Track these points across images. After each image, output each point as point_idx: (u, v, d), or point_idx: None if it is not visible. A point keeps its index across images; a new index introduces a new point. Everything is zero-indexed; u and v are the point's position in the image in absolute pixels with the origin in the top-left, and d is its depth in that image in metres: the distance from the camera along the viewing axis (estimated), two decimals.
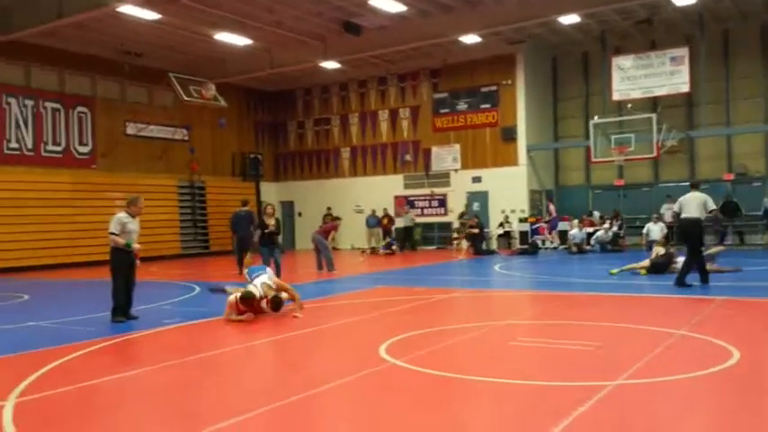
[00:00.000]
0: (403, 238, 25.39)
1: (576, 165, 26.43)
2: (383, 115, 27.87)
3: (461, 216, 24.80)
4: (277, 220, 14.08)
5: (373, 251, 24.18)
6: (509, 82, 24.95)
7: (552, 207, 24.37)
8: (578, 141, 25.35)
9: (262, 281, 9.54)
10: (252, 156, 28.36)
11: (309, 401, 5.32)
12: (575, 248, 20.99)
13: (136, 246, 9.52)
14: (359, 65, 25.81)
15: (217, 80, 23.97)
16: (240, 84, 27.13)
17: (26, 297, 13.40)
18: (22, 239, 19.49)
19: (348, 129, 28.71)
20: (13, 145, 20.71)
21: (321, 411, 5.20)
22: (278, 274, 13.58)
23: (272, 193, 29.12)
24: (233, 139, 28.15)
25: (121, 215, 9.51)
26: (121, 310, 9.49)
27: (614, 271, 13.89)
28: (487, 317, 9.57)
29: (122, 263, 9.48)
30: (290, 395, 5.38)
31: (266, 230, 13.72)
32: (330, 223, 17.68)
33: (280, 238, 14.95)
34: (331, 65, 24.49)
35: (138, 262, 9.82)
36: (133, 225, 9.55)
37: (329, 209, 26.90)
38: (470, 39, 22.21)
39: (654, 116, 21.87)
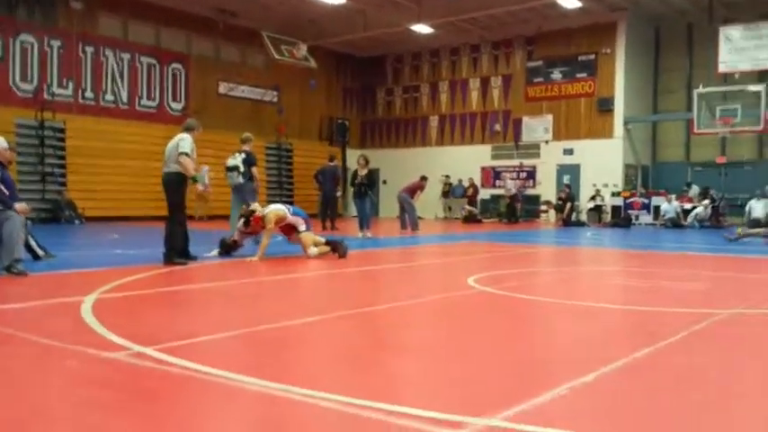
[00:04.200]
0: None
1: (675, 140, 24.97)
2: (474, 84, 27.16)
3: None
4: (370, 171, 13.57)
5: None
6: (608, 51, 23.78)
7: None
8: (679, 114, 23.97)
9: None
10: (339, 121, 28.29)
11: (394, 310, 5.01)
12: (669, 223, 19.94)
13: (199, 186, 8.27)
14: (452, 30, 25.18)
15: (309, 42, 23.89)
16: (331, 48, 27.01)
17: (116, 236, 13.71)
18: (116, 189, 19.95)
19: (438, 97, 28.16)
20: (109, 97, 21.16)
21: (406, 318, 4.87)
22: (366, 226, 13.36)
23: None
24: (321, 104, 28.12)
25: (190, 137, 7.93)
26: (182, 250, 8.00)
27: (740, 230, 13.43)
28: (582, 264, 8.99)
29: (184, 195, 8.00)
30: (376, 305, 5.08)
31: (356, 181, 13.29)
32: (416, 182, 17.26)
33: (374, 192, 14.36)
34: (424, 29, 23.96)
35: (201, 188, 9.03)
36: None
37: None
38: (570, 3, 21.22)
39: (763, 89, 20.36)
